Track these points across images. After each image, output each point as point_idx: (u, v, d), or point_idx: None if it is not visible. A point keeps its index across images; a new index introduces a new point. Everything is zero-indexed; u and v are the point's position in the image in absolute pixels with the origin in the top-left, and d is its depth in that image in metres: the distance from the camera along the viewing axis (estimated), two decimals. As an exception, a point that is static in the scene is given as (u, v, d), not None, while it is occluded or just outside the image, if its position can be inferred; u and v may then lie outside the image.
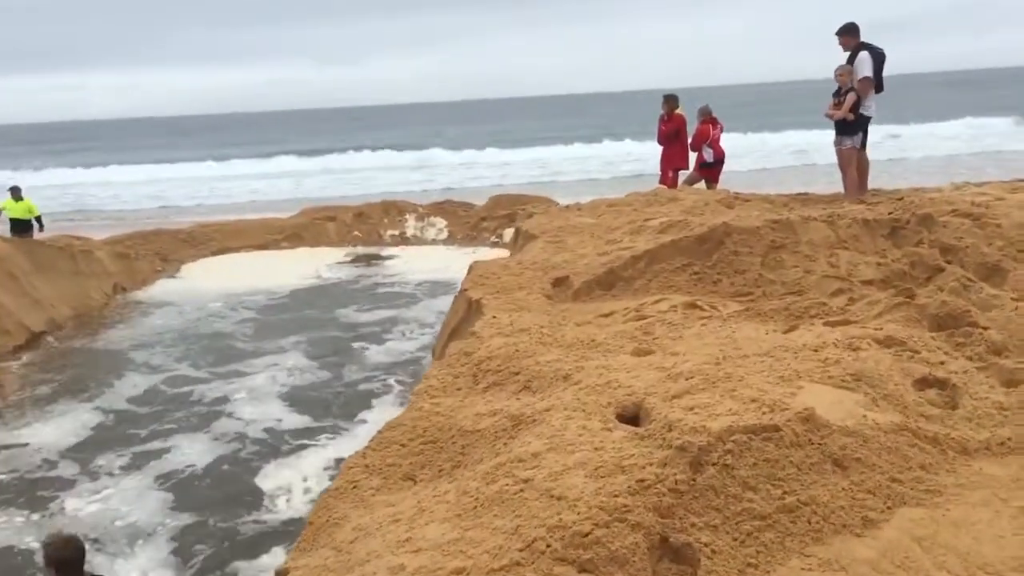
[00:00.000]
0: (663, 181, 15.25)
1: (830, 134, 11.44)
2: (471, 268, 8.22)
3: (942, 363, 4.41)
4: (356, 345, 12.93)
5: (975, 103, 60.11)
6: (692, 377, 4.21)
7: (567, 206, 14.72)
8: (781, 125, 44.86)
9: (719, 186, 14.43)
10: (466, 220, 21.68)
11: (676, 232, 7.85)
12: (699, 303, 6.75)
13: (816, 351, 4.43)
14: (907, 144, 37.70)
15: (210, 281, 17.49)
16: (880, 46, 11.33)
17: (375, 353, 12.45)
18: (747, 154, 33.72)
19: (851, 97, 10.73)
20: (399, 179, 38.13)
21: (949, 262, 7.28)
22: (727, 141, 15.18)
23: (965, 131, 41.99)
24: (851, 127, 10.85)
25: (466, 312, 7.35)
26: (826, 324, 5.35)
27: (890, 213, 8.48)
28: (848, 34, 11.40)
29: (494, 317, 6.20)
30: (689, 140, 14.83)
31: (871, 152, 11.98)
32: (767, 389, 3.84)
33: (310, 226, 21.05)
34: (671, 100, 15.23)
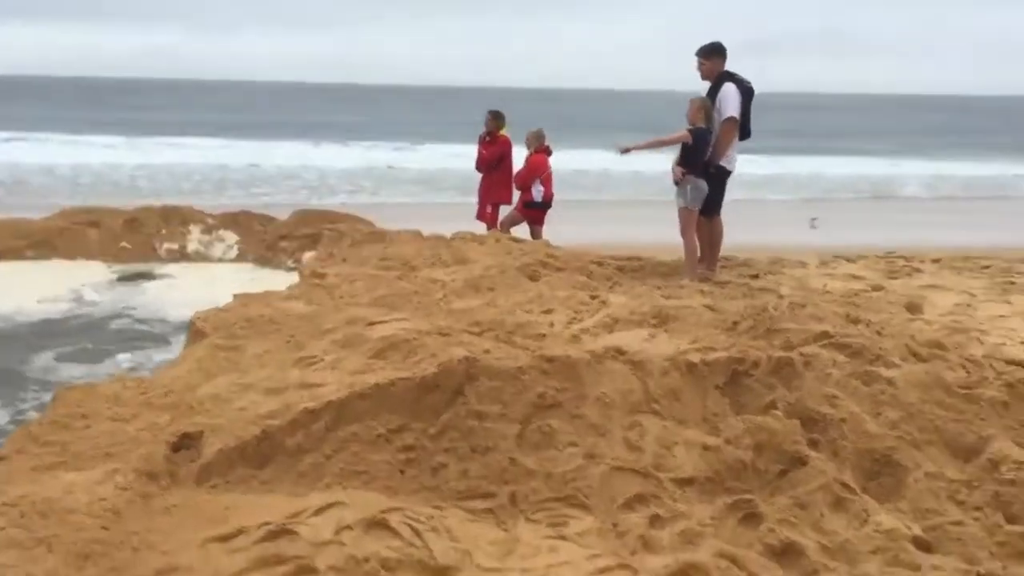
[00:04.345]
0: (480, 216, 12.36)
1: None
2: (56, 397, 4.95)
3: None
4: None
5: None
6: None
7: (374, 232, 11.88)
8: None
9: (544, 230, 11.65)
10: (262, 237, 18.07)
11: (396, 363, 4.83)
12: (392, 519, 3.77)
13: None
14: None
15: None
16: (748, 78, 8.70)
17: None
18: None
19: (681, 135, 8.11)
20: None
21: (815, 442, 4.55)
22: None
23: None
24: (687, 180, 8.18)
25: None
26: None
27: (730, 348, 5.62)
28: (712, 56, 8.73)
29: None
30: (515, 171, 11.97)
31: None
32: None
33: (67, 232, 17.12)
34: (498, 118, 12.30)
